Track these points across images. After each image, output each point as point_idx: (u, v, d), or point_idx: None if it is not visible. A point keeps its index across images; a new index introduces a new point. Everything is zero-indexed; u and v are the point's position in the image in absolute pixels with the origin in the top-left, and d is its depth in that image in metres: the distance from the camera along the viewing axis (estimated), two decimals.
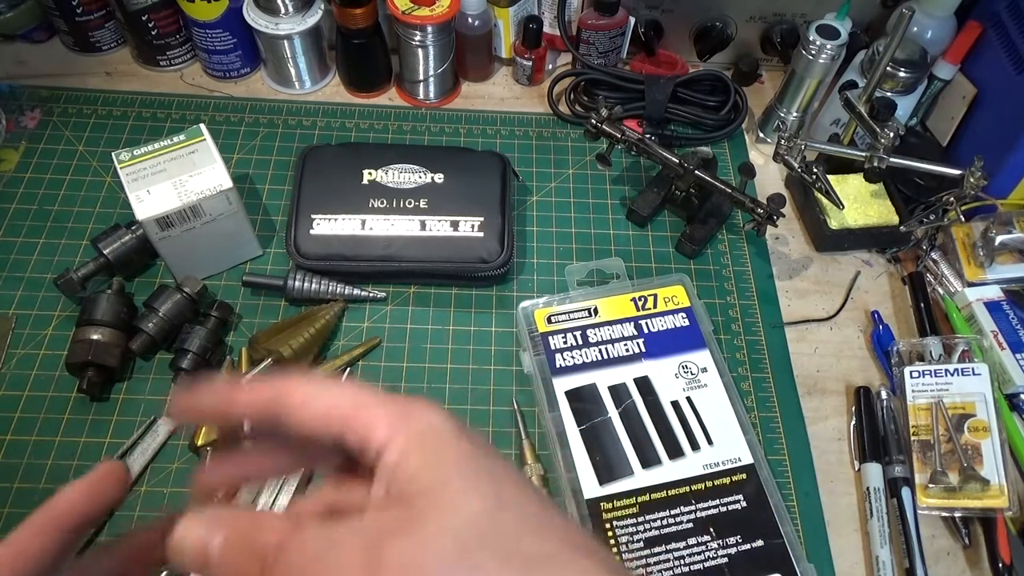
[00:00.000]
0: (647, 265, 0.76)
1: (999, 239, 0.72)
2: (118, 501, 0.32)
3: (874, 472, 0.64)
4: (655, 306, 0.69)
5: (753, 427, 0.66)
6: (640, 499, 0.60)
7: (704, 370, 0.66)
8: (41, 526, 0.29)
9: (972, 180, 0.69)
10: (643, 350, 0.67)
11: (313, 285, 0.69)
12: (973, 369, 0.65)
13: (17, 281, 0.71)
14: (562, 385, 0.65)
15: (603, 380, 0.65)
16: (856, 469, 0.66)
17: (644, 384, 0.65)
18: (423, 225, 0.71)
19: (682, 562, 0.58)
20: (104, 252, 0.68)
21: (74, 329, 0.65)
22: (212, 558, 0.27)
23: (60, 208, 0.76)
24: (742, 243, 0.78)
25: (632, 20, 0.86)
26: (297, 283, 0.69)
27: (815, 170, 0.71)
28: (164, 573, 0.56)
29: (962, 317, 0.71)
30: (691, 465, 0.61)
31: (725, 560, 0.58)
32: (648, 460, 0.62)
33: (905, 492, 0.62)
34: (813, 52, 0.76)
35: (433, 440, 0.27)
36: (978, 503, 0.61)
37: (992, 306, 0.70)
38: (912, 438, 0.64)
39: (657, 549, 0.58)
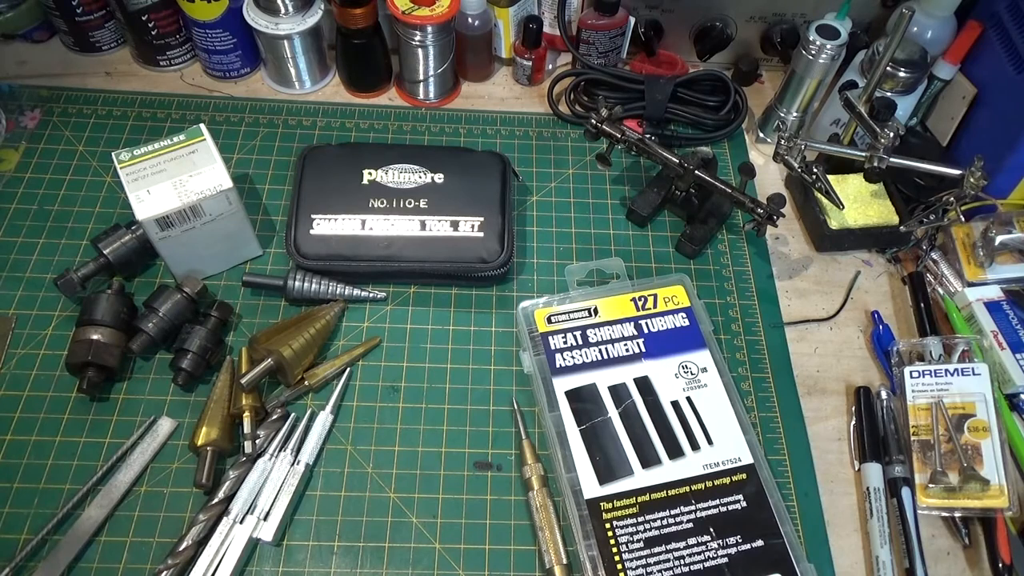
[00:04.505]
0: (647, 265, 0.76)
1: (999, 239, 0.72)
2: None
3: (874, 472, 0.64)
4: (655, 306, 0.69)
5: (753, 427, 0.66)
6: (640, 499, 0.60)
7: (704, 370, 0.66)
8: None
9: (972, 180, 0.69)
10: (643, 350, 0.67)
11: (313, 285, 0.69)
12: (973, 369, 0.65)
13: (17, 281, 0.71)
14: (562, 385, 0.65)
15: (603, 380, 0.65)
16: (856, 469, 0.66)
17: (644, 384, 0.65)
18: (423, 225, 0.71)
19: (682, 562, 0.58)
20: (104, 252, 0.68)
21: (74, 329, 0.65)
22: None
23: (60, 208, 0.76)
24: (742, 243, 0.78)
25: (632, 20, 0.86)
26: (297, 283, 0.69)
27: (815, 170, 0.71)
28: (163, 574, 0.56)
29: (962, 317, 0.71)
30: (691, 465, 0.62)
31: (725, 560, 0.58)
32: (648, 460, 0.62)
33: (905, 492, 0.62)
34: (813, 52, 0.76)
35: None
36: (978, 503, 0.61)
37: (992, 306, 0.70)
38: (912, 438, 0.64)
39: (657, 549, 0.58)
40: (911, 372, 0.66)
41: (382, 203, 0.72)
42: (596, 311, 0.69)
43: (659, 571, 0.57)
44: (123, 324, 0.65)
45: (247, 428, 0.62)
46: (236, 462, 0.61)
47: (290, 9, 0.81)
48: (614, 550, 0.58)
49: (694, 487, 0.61)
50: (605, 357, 0.67)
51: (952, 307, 0.72)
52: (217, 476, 0.61)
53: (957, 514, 0.62)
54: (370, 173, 0.74)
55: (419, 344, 0.70)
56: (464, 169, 0.75)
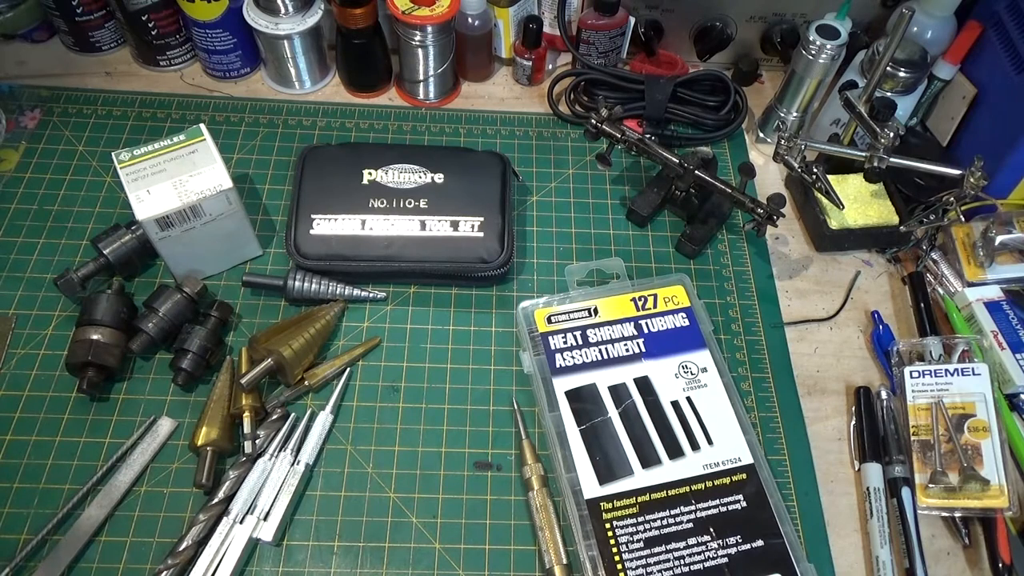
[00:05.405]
0: (647, 265, 0.76)
1: (999, 239, 0.72)
2: None
3: (874, 472, 0.64)
4: (655, 306, 0.69)
5: (753, 427, 0.66)
6: (640, 499, 0.60)
7: (704, 370, 0.66)
8: None
9: (972, 180, 0.69)
10: (643, 350, 0.67)
11: (313, 285, 0.69)
12: (973, 369, 0.65)
13: (17, 281, 0.71)
14: (562, 385, 0.65)
15: (603, 380, 0.65)
16: (856, 469, 0.66)
17: (644, 384, 0.65)
18: (423, 225, 0.71)
19: (682, 562, 0.58)
20: (104, 252, 0.68)
21: (74, 329, 0.65)
22: None
23: (60, 208, 0.76)
24: (742, 243, 0.78)
25: (632, 20, 0.86)
26: (297, 283, 0.69)
27: (815, 170, 0.71)
28: (163, 574, 0.56)
29: (962, 317, 0.71)
30: (691, 465, 0.62)
31: (725, 560, 0.58)
32: (648, 460, 0.62)
33: (905, 492, 0.62)
34: (813, 52, 0.76)
35: None
36: (978, 503, 0.61)
37: (992, 306, 0.70)
38: (912, 438, 0.64)
39: (657, 549, 0.58)
40: (911, 372, 0.66)
41: (382, 203, 0.72)
42: (596, 311, 0.69)
43: (659, 571, 0.57)
44: (123, 324, 0.65)
45: (247, 428, 0.62)
46: (236, 462, 0.61)
47: (290, 9, 0.81)
48: (614, 550, 0.58)
49: (694, 487, 0.61)
50: (605, 357, 0.67)
51: (952, 307, 0.72)
52: (217, 476, 0.61)
53: (957, 514, 0.62)
54: (370, 173, 0.74)
55: (419, 344, 0.70)
56: (464, 169, 0.75)
